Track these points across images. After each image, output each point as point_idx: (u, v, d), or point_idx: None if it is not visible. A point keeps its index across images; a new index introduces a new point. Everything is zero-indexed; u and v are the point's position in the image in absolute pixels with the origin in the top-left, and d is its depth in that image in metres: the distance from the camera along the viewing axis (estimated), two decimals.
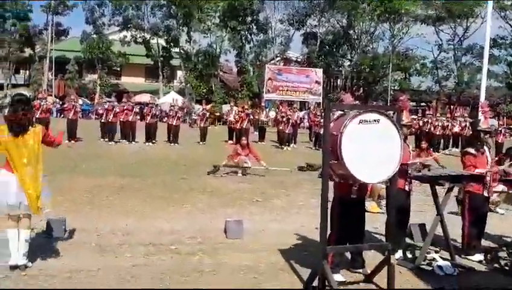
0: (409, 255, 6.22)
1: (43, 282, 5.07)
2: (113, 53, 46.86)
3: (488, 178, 6.47)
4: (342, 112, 5.14)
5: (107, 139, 20.00)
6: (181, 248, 6.44)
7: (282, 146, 21.85)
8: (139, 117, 22.57)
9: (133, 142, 20.28)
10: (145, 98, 38.92)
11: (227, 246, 6.61)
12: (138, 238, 6.81)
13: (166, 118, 23.87)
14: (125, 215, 8.18)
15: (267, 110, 31.63)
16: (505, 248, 6.38)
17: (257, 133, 24.61)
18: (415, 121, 22.08)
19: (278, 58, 50.05)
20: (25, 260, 5.40)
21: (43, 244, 6.21)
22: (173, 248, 6.42)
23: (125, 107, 20.81)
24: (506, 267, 6.04)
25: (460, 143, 24.04)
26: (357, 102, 6.09)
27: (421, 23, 47.84)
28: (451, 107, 45.60)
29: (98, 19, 47.29)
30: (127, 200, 9.43)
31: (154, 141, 20.68)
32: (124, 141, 20.29)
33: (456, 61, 48.71)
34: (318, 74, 41.41)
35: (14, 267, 5.31)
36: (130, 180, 11.65)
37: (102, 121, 20.87)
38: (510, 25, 45.54)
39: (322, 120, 21.83)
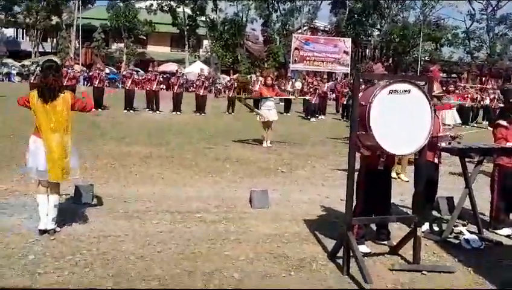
0: (436, 228, 6.15)
1: (71, 246, 5.18)
2: (140, 21, 46.94)
3: None
4: (371, 82, 5.04)
5: (131, 111, 20.06)
6: (206, 216, 6.49)
7: (309, 117, 21.68)
8: (164, 86, 22.64)
9: (157, 112, 20.30)
10: (171, 67, 39.04)
11: (252, 216, 6.64)
12: (164, 206, 6.89)
13: (192, 88, 23.94)
14: (151, 183, 8.27)
15: (293, 80, 31.39)
16: None
17: (283, 103, 24.48)
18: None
19: (305, 28, 49.42)
20: (53, 225, 5.52)
21: (72, 210, 6.33)
22: (199, 216, 6.48)
23: (149, 76, 20.89)
24: None
25: (488, 116, 23.57)
26: (386, 72, 5.96)
27: None
28: (483, 79, 44.51)
29: None
30: (153, 168, 9.52)
31: (180, 111, 20.72)
32: (148, 110, 20.30)
33: (489, 31, 47.41)
34: (347, 43, 40.80)
35: (43, 232, 5.43)
36: (156, 148, 11.74)
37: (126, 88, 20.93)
38: None
39: (349, 91, 21.62)
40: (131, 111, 19.85)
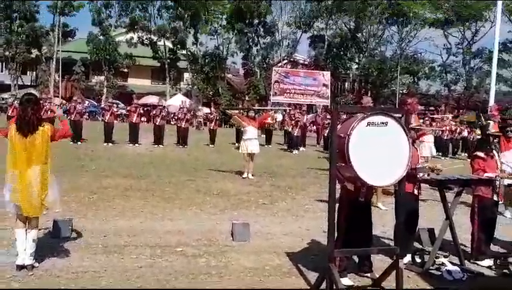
0: (418, 260, 6.15)
1: (49, 282, 5.04)
2: (120, 55, 47.04)
3: (497, 182, 6.39)
4: (350, 115, 5.10)
5: (110, 144, 19.83)
6: (187, 250, 6.41)
7: (291, 149, 21.73)
8: (145, 119, 22.58)
9: (137, 145, 20.07)
10: (151, 100, 39.05)
11: (233, 249, 6.57)
12: (144, 240, 6.79)
13: (173, 120, 23.95)
14: (131, 217, 8.16)
15: (274, 113, 31.56)
16: None
17: (264, 136, 24.57)
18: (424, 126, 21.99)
19: (285, 61, 50.05)
20: (31, 260, 5.39)
21: (50, 245, 6.19)
22: (179, 250, 6.39)
23: (128, 108, 20.82)
24: None
25: (466, 147, 23.92)
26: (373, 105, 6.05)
27: (430, 27, 47.77)
28: (460, 111, 45.38)
29: (105, 20, 47.48)
30: (133, 201, 9.41)
31: (162, 144, 20.58)
32: (129, 143, 20.11)
33: (465, 65, 48.59)
34: (326, 76, 41.38)
35: (21, 267, 5.30)
36: (136, 181, 11.63)
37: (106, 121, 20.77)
38: None
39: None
40: (110, 144, 19.65)
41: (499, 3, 15.57)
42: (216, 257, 6.20)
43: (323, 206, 8.40)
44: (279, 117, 29.13)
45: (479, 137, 8.04)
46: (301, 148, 22.58)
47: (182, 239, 6.92)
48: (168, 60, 48.19)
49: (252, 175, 13.14)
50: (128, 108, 21.05)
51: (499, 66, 23.10)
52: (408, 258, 6.12)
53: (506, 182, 6.59)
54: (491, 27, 40.99)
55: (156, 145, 20.30)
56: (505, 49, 45.08)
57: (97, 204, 8.97)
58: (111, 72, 47.28)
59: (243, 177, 12.99)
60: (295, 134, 22.11)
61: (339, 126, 4.85)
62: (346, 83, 51.61)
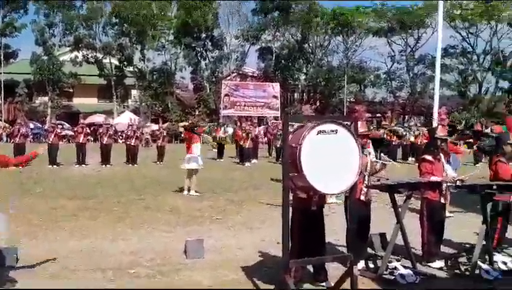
0: (371, 265, 6.19)
1: None
2: (64, 74, 45.95)
3: (444, 185, 6.54)
4: (300, 124, 5.10)
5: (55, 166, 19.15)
6: (140, 271, 6.22)
7: (243, 162, 21.67)
8: (92, 138, 22.02)
9: (83, 165, 19.51)
10: (98, 118, 38.19)
11: (188, 267, 6.42)
12: (95, 262, 6.55)
13: (121, 139, 23.45)
14: (81, 239, 7.88)
15: (225, 126, 31.57)
16: (464, 254, 6.45)
17: (216, 150, 24.46)
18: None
19: (234, 74, 50.27)
20: None
21: None
22: (132, 272, 6.19)
23: (74, 129, 20.26)
24: (467, 273, 6.09)
25: (414, 152, 24.48)
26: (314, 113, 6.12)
27: (374, 35, 49.13)
28: (406, 117, 46.72)
29: (48, 39, 46.35)
30: (82, 222, 9.11)
31: (110, 163, 20.07)
32: (75, 164, 19.48)
33: (409, 71, 50.18)
34: (275, 88, 41.78)
35: None
36: (84, 202, 11.28)
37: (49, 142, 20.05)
38: (460, 34, 47.24)
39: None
40: (55, 166, 18.97)
41: (440, 9, 16.10)
42: (170, 276, 6.04)
43: (278, 217, 8.36)
44: (229, 130, 29.23)
45: (427, 141, 8.24)
46: (253, 160, 22.57)
47: (134, 260, 6.72)
48: (115, 78, 47.43)
49: (196, 191, 12.82)
50: (75, 128, 20.45)
51: (441, 71, 23.87)
52: (362, 264, 6.16)
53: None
54: (433, 33, 42.60)
55: (104, 165, 19.77)
56: (447, 54, 46.84)
57: (45, 227, 8.62)
58: (55, 92, 46.03)
59: (183, 194, 12.58)
60: (247, 146, 22.08)
61: (290, 136, 4.84)
62: (296, 94, 52.27)
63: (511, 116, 7.66)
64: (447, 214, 9.73)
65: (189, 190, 12.72)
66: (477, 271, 6.02)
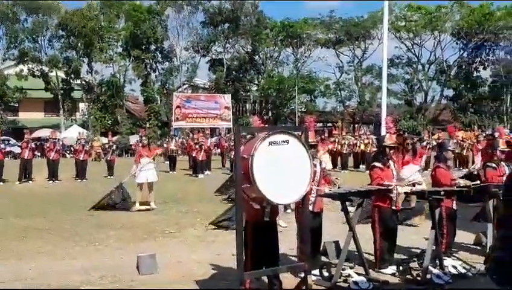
0: (326, 274, 6.23)
1: None
2: (9, 88, 44.46)
3: (394, 192, 6.67)
4: (251, 135, 5.09)
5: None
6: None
7: (196, 174, 21.48)
8: (39, 153, 21.29)
9: (30, 182, 18.89)
10: (45, 133, 37.04)
11: (140, 283, 6.28)
12: (44, 283, 6.29)
13: (70, 153, 22.79)
14: (29, 259, 7.58)
15: (177, 138, 31.25)
16: (415, 259, 6.59)
17: (168, 162, 24.16)
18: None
19: (186, 86, 49.99)
20: None
21: None
22: None
23: (19, 144, 19.61)
24: (418, 278, 6.22)
25: (365, 160, 24.92)
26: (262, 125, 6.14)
27: (322, 47, 50.00)
28: (355, 125, 47.67)
29: None
30: (31, 242, 8.78)
31: (57, 179, 19.46)
32: (20, 181, 18.77)
33: (357, 81, 51.28)
34: (227, 99, 41.75)
35: None
36: (33, 220, 10.89)
37: None
38: (405, 45, 48.76)
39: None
40: (0, 183, 18.25)
41: (385, 21, 16.62)
42: None
43: (233, 229, 8.33)
44: (180, 142, 28.93)
45: (376, 149, 8.44)
46: (206, 172, 22.42)
47: (84, 278, 6.51)
48: (62, 91, 46.25)
49: (154, 203, 12.70)
50: (20, 143, 19.76)
51: (388, 80, 24.51)
52: (316, 273, 6.18)
53: (402, 190, 6.90)
54: (379, 44, 43.73)
55: (52, 181, 19.15)
56: (393, 65, 48.22)
57: None
58: (0, 107, 44.43)
59: (132, 210, 12.28)
60: (200, 158, 21.92)
61: (242, 147, 4.82)
62: (248, 105, 52.48)
63: (451, 125, 7.98)
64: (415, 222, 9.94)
65: (144, 204, 12.52)
66: (428, 276, 6.16)
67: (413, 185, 7.08)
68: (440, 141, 9.27)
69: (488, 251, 3.32)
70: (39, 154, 25.38)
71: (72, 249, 8.29)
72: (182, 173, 22.62)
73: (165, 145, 25.50)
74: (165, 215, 11.52)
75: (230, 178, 14.84)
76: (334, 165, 22.87)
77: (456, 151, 18.31)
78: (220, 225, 9.80)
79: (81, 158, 20.57)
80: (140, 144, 14.11)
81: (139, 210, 12.20)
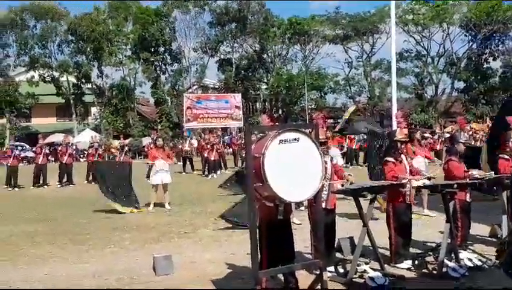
0: (341, 270, 6.24)
1: None
2: (21, 95, 44.90)
3: (408, 186, 6.66)
4: (262, 134, 5.11)
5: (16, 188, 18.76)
6: None
7: (208, 174, 21.54)
8: (53, 159, 21.46)
9: (45, 187, 19.09)
10: (59, 138, 37.37)
11: (157, 284, 6.32)
12: (61, 287, 6.35)
13: (84, 157, 22.96)
14: (43, 264, 7.64)
15: (190, 139, 31.33)
16: (431, 253, 6.57)
17: (181, 163, 24.25)
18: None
19: (195, 87, 50.11)
20: None
21: None
22: None
23: (33, 150, 19.84)
24: (434, 272, 6.21)
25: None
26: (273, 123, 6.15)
27: (330, 43, 49.84)
28: None
29: (3, 60, 45.23)
30: (43, 246, 8.85)
31: (72, 183, 19.63)
32: (34, 186, 18.96)
33: (367, 76, 51.03)
34: (237, 98, 41.78)
35: None
36: (47, 225, 11.00)
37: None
38: (414, 38, 48.42)
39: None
40: (15, 189, 18.47)
41: (392, 15, 16.52)
42: None
43: (242, 227, 8.37)
44: (194, 143, 29.01)
45: (388, 144, 8.45)
46: (219, 172, 22.48)
47: (100, 281, 6.56)
48: (73, 96, 46.60)
49: (169, 204, 12.82)
50: (34, 149, 19.98)
51: (398, 74, 24.37)
52: (332, 269, 6.19)
53: (416, 184, 6.88)
54: (387, 38, 43.46)
55: (66, 185, 19.31)
56: (402, 58, 47.89)
57: (4, 254, 8.31)
58: (13, 113, 44.88)
59: (149, 209, 12.53)
60: (212, 158, 21.98)
61: (253, 146, 4.84)
62: (257, 103, 52.44)
63: (461, 117, 7.96)
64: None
65: (161, 205, 12.64)
66: (444, 269, 6.14)
67: (429, 178, 7.05)
68: (451, 134, 9.27)
69: (500, 244, 3.31)
70: (53, 159, 25.59)
71: (86, 252, 8.35)
72: (195, 174, 22.70)
73: (179, 146, 25.57)
74: (179, 216, 11.57)
75: (236, 174, 14.91)
76: (347, 161, 22.91)
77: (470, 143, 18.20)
78: (229, 220, 9.81)
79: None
80: (152, 145, 14.17)
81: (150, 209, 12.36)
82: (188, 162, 23.95)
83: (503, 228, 7.07)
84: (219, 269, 6.84)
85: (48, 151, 20.90)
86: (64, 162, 19.92)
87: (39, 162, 19.49)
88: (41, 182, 19.24)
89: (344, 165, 19.54)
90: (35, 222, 11.37)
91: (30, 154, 29.28)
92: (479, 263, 6.45)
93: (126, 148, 23.10)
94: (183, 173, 22.50)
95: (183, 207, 12.95)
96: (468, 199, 7.15)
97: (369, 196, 6.39)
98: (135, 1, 47.36)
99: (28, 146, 35.12)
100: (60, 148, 21.34)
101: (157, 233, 9.73)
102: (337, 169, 6.92)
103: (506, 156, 7.64)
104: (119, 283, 6.44)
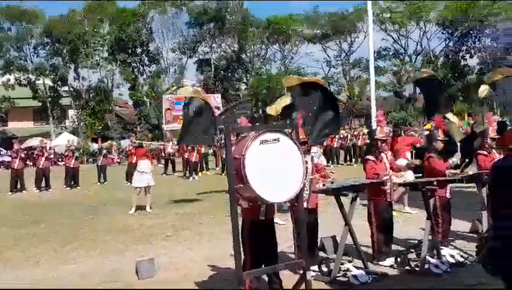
0: (324, 269, 6.25)
1: None
2: None
3: (388, 184, 6.70)
4: (243, 135, 5.09)
5: None
6: None
7: (188, 176, 21.43)
8: (31, 163, 21.04)
9: (24, 192, 18.66)
10: (35, 142, 36.84)
11: (140, 287, 6.26)
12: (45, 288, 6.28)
13: (62, 161, 22.59)
14: (29, 266, 7.58)
15: (173, 141, 31.09)
16: (413, 250, 6.62)
17: (162, 165, 24.12)
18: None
19: (174, 88, 49.87)
20: None
21: None
22: None
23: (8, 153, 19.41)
24: (417, 268, 6.26)
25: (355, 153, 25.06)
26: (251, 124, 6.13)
27: (309, 42, 50.05)
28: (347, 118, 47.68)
29: None
30: (30, 249, 8.74)
31: (49, 187, 19.29)
32: (11, 192, 18.52)
33: (345, 75, 51.39)
34: (217, 99, 41.67)
35: None
36: (28, 228, 10.84)
37: None
38: (392, 36, 48.90)
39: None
40: None
41: (370, 14, 16.69)
42: None
43: (229, 229, 8.29)
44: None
45: (368, 142, 8.52)
46: (200, 173, 22.40)
47: (83, 284, 6.49)
48: (50, 99, 45.98)
49: (150, 208, 12.71)
50: (9, 153, 19.57)
51: (376, 73, 24.56)
52: (315, 268, 6.20)
53: (396, 180, 6.92)
54: (365, 37, 43.85)
55: (43, 190, 18.97)
56: (380, 57, 48.35)
57: None
58: None
59: (130, 213, 12.40)
60: (193, 160, 21.87)
61: (233, 147, 4.82)
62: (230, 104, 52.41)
63: (439, 116, 8.05)
64: (408, 210, 10.17)
65: (143, 208, 12.59)
66: (426, 266, 6.20)
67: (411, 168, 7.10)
68: (429, 132, 9.47)
69: (479, 240, 3.36)
70: (31, 163, 25.20)
71: (69, 255, 8.26)
72: (176, 175, 22.58)
73: (160, 147, 25.45)
74: (162, 218, 11.50)
75: None
76: (327, 160, 23.00)
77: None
78: None
79: (72, 165, 20.35)
80: (131, 147, 14.05)
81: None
82: (169, 164, 23.81)
83: (483, 224, 7.16)
84: (203, 270, 6.81)
85: (24, 155, 20.43)
86: (40, 166, 19.55)
87: (15, 167, 19.09)
88: (18, 187, 18.84)
89: (325, 164, 19.64)
90: (18, 226, 11.22)
91: (7, 158, 28.77)
92: (461, 259, 6.52)
93: (104, 151, 22.87)
94: (164, 175, 22.35)
95: (166, 209, 12.85)
96: (448, 196, 7.23)
97: (351, 195, 6.41)
98: (111, 1, 46.89)
99: (4, 150, 34.52)
100: (36, 151, 20.93)
101: (139, 236, 9.65)
102: (319, 168, 6.94)
103: (486, 152, 7.74)
104: (102, 286, 6.38)
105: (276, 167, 4.71)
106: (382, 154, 6.94)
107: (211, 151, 29.70)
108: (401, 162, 8.74)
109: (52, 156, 22.33)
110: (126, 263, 7.40)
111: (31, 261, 7.90)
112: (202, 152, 22.96)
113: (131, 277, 6.70)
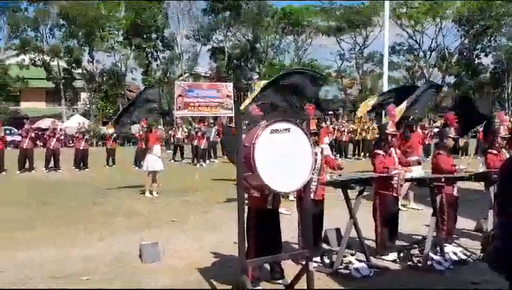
0: (327, 261, 6.27)
1: None
2: (11, 78, 44.38)
3: (396, 179, 6.70)
4: (254, 123, 5.11)
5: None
6: (94, 278, 6.07)
7: (196, 163, 21.50)
8: (41, 143, 21.15)
9: (33, 171, 18.85)
10: (46, 122, 37.07)
11: (143, 271, 6.32)
12: (48, 271, 6.34)
13: (72, 143, 22.71)
14: (33, 247, 7.61)
15: (183, 127, 31.17)
16: (416, 246, 6.63)
17: (171, 151, 24.18)
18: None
19: (187, 74, 49.91)
20: None
21: None
22: (85, 279, 6.04)
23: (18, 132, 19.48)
24: (419, 264, 6.27)
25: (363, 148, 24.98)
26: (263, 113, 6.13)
27: (323, 34, 49.79)
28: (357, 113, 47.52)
29: None
30: (35, 231, 8.80)
31: (59, 168, 19.47)
32: (21, 171, 18.72)
33: (358, 69, 51.13)
34: (229, 88, 41.61)
35: None
36: (37, 209, 10.95)
37: None
38: (407, 32, 48.52)
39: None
40: (3, 173, 18.29)
41: (386, 8, 16.57)
42: (125, 282, 5.93)
43: (234, 217, 8.34)
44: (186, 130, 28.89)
45: (378, 136, 8.51)
46: (208, 161, 22.46)
47: (88, 266, 6.56)
48: (63, 80, 46.20)
49: (157, 193, 12.81)
50: (19, 132, 19.70)
51: (389, 68, 24.43)
52: (318, 259, 6.23)
53: (406, 175, 6.91)
54: (380, 31, 43.49)
55: (51, 170, 19.16)
56: (394, 52, 48.05)
57: None
58: (1, 96, 44.42)
59: (145, 196, 12.69)
60: (202, 147, 21.92)
61: (244, 136, 4.84)
62: (249, 93, 52.29)
63: (450, 113, 8.01)
64: (414, 206, 10.18)
65: (151, 192, 12.65)
66: (429, 262, 6.21)
67: (419, 162, 7.10)
68: (440, 128, 9.45)
69: (484, 238, 3.35)
70: (41, 144, 25.39)
71: (76, 237, 8.33)
72: (185, 162, 22.67)
73: (170, 132, 25.55)
74: (168, 204, 11.57)
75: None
76: (336, 153, 22.98)
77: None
78: None
79: (81, 147, 20.52)
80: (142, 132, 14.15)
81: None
82: (178, 150, 23.91)
83: (489, 223, 7.14)
84: (206, 257, 6.86)
85: (34, 135, 20.56)
86: (51, 147, 19.74)
87: (24, 147, 19.26)
88: (26, 166, 19.03)
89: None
90: (25, 207, 11.31)
91: (18, 138, 29.02)
92: (464, 257, 6.52)
93: (115, 134, 22.95)
94: (172, 161, 22.44)
95: (173, 195, 12.93)
96: (455, 193, 7.21)
97: (357, 188, 6.42)
98: None
99: (16, 130, 34.80)
100: (47, 132, 21.09)
101: (145, 221, 9.72)
102: (328, 160, 6.95)
103: (495, 151, 7.71)
104: (106, 269, 6.44)
105: (285, 156, 4.73)
106: (391, 149, 6.93)
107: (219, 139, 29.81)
108: (413, 158, 8.76)
109: (62, 137, 22.38)
110: (130, 246, 7.45)
111: (35, 243, 7.89)
112: (211, 140, 23.00)
113: (134, 260, 6.77)
